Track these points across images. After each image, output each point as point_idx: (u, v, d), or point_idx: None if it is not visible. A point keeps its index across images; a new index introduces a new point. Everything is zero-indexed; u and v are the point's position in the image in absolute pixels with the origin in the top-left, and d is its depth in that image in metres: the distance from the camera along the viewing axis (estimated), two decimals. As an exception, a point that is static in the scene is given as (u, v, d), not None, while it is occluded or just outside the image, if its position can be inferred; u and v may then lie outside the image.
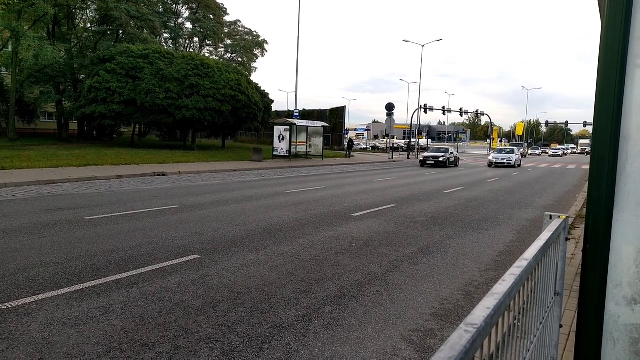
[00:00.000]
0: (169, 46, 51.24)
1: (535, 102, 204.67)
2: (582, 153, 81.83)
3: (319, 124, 35.02)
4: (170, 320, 4.31)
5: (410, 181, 19.38)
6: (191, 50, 54.52)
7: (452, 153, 32.77)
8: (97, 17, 40.60)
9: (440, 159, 31.06)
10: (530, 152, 70.25)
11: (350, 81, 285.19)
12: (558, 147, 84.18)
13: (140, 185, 14.75)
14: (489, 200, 13.74)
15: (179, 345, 3.81)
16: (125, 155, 24.72)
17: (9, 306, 4.48)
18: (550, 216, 2.61)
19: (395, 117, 43.33)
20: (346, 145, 41.25)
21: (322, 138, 34.41)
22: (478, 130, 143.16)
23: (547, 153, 70.34)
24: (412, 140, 50.57)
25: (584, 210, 9.17)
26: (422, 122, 70.86)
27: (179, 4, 54.38)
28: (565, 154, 73.78)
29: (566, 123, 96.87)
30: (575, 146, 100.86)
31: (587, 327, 2.43)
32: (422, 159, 32.39)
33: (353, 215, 10.32)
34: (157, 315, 4.39)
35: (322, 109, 54.58)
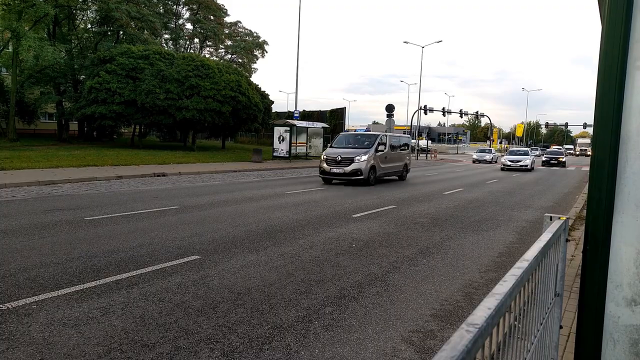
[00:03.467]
0: (170, 47, 51.33)
1: (535, 104, 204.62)
2: (581, 154, 72.73)
3: (319, 125, 35.04)
4: (171, 320, 4.31)
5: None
6: (191, 51, 54.61)
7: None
8: (98, 17, 40.65)
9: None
10: (476, 156, 41.29)
11: (350, 82, 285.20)
12: (522, 149, 36.08)
13: (140, 186, 14.75)
14: (488, 202, 13.75)
15: (179, 346, 3.81)
16: (126, 156, 24.72)
17: (10, 306, 4.48)
18: (551, 217, 2.62)
19: (395, 118, 43.34)
20: None
21: (322, 139, 34.43)
22: (478, 131, 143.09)
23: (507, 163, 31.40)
24: (412, 141, 50.54)
25: (584, 211, 9.17)
26: (422, 123, 70.30)
27: (179, 5, 54.45)
28: (551, 161, 37.76)
29: (566, 124, 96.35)
30: (572, 146, 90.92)
31: (587, 328, 2.44)
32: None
33: (353, 216, 10.32)
34: (157, 316, 4.40)
35: (322, 110, 54.65)
